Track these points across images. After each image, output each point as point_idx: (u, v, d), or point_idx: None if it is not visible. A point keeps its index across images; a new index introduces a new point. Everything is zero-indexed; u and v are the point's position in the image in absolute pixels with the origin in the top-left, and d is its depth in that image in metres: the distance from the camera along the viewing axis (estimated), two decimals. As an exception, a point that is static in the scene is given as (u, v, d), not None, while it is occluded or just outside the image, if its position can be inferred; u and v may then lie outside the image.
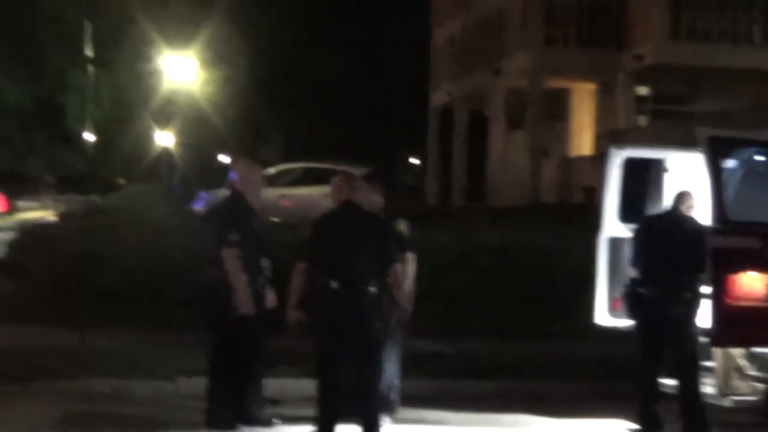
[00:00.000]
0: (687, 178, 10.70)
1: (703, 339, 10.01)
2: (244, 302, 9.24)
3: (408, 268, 9.83)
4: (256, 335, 9.54)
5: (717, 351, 10.20)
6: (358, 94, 68.73)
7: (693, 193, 10.02)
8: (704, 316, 9.93)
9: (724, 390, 10.19)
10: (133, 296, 14.29)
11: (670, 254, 9.73)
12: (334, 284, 8.66)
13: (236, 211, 9.63)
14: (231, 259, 9.23)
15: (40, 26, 33.24)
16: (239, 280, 9.22)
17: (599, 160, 11.57)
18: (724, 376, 10.24)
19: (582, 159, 48.17)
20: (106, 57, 33.16)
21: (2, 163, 36.59)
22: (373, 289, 8.73)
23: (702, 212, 10.03)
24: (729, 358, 10.27)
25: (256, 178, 9.84)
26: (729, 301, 9.93)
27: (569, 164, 49.29)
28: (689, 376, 9.85)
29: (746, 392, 10.30)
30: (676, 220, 9.94)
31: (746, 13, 45.25)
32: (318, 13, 65.35)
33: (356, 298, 8.70)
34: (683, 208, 9.92)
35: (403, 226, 10.01)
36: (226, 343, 9.56)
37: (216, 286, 9.42)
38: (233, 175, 9.83)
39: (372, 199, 9.65)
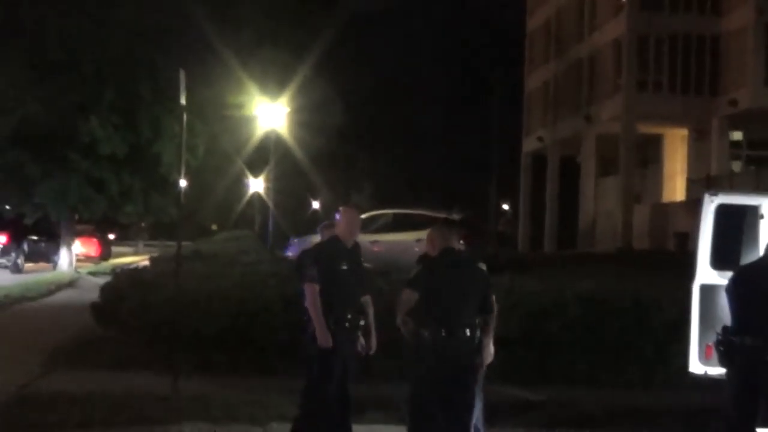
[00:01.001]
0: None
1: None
2: (320, 336, 9.32)
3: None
4: (342, 376, 9.55)
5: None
6: (450, 140, 68.92)
7: None
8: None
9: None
10: (226, 342, 14.35)
11: (764, 303, 9.53)
12: (441, 332, 8.70)
13: (321, 251, 9.82)
14: (309, 293, 9.42)
15: (137, 75, 33.82)
16: (316, 313, 9.33)
17: (692, 206, 11.34)
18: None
19: (675, 205, 47.71)
20: (200, 104, 33.64)
21: (98, 209, 37.13)
22: (475, 338, 8.82)
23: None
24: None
25: (353, 221, 9.92)
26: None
27: (662, 210, 48.85)
28: None
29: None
30: None
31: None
32: (412, 59, 65.81)
33: (459, 346, 8.74)
34: None
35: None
36: (313, 384, 9.59)
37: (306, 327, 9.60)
38: (336, 216, 10.06)
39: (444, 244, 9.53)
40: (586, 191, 55.70)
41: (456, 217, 25.14)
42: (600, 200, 54.34)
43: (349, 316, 9.55)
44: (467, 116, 69.17)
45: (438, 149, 68.90)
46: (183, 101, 13.35)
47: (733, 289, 9.74)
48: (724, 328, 9.77)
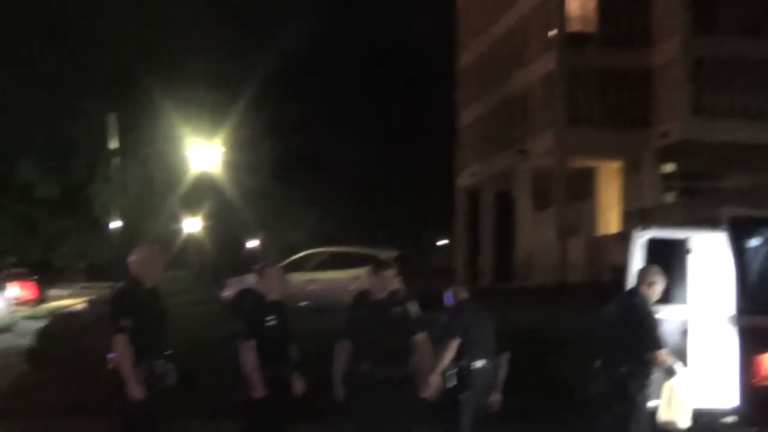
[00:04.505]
0: (711, 258, 10.72)
1: (731, 419, 9.95)
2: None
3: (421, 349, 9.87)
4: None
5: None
6: (386, 177, 69.06)
7: (655, 270, 9.94)
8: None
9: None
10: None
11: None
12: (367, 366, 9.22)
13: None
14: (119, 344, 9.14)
15: (70, 118, 33.76)
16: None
17: (624, 240, 11.51)
18: None
19: (609, 237, 48.05)
20: (133, 146, 33.57)
21: (33, 252, 36.87)
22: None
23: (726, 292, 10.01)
24: None
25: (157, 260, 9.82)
26: (755, 381, 9.89)
27: (596, 243, 49.18)
28: None
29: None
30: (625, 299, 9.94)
31: (769, 89, 45.51)
32: (343, 96, 66.02)
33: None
34: (644, 286, 9.82)
35: (413, 308, 10.11)
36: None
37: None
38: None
39: (381, 282, 9.76)
40: (521, 225, 55.98)
41: (390, 255, 25.05)
42: (536, 234, 54.63)
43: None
44: (400, 152, 69.38)
45: (373, 185, 69.02)
46: (114, 145, 13.32)
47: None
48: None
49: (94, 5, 33.79)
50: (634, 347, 9.34)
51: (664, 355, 9.43)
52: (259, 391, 9.61)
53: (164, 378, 9.36)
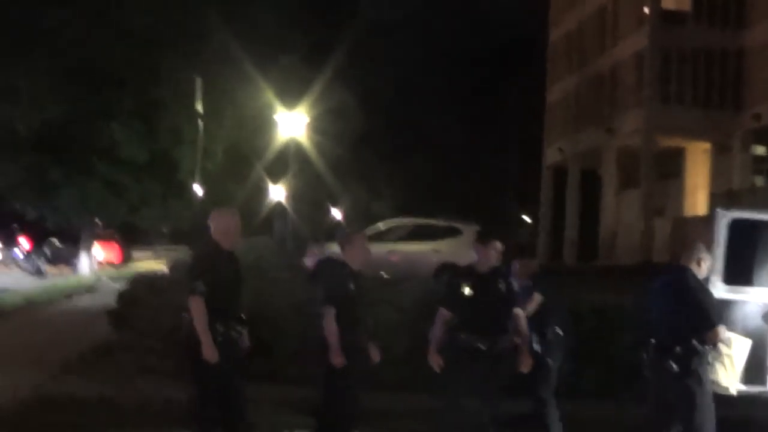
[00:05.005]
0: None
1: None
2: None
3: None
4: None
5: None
6: (471, 151, 68.76)
7: (702, 247, 9.70)
8: None
9: None
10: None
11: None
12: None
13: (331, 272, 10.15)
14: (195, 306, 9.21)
15: (157, 81, 34.03)
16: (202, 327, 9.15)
17: (709, 222, 11.32)
18: None
19: (696, 219, 47.47)
20: (218, 111, 33.65)
21: (118, 214, 37.34)
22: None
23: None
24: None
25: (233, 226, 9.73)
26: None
27: (683, 224, 48.59)
28: None
29: None
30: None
31: None
32: (432, 68, 65.74)
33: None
34: (692, 264, 9.59)
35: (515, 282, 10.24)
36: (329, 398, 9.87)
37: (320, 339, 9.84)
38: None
39: (488, 255, 9.83)
40: (606, 204, 55.58)
41: (472, 229, 24.85)
42: (621, 213, 54.19)
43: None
44: (487, 126, 68.97)
45: (457, 158, 68.74)
46: (199, 108, 13.38)
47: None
48: None
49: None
50: (690, 326, 9.16)
51: (721, 332, 9.25)
52: (338, 359, 9.63)
53: (238, 341, 9.38)
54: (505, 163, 70.33)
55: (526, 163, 66.92)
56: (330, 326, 9.67)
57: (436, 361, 9.60)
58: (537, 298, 10.80)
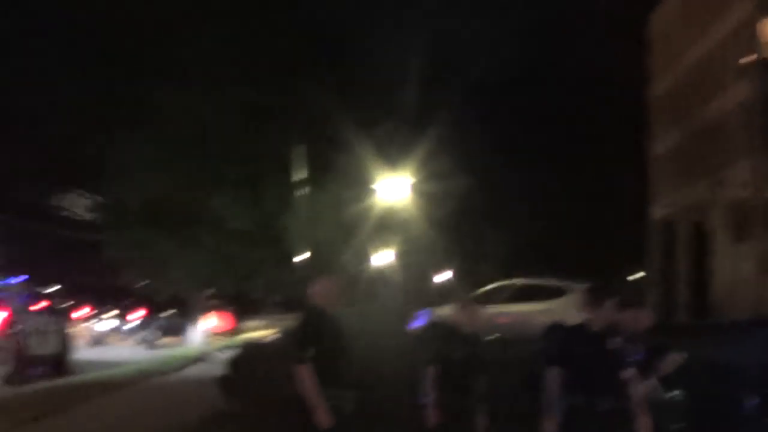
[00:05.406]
0: None
1: None
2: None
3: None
4: None
5: None
6: (575, 209, 68.27)
7: None
8: None
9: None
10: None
11: None
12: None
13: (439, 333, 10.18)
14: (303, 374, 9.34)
15: (260, 151, 34.50)
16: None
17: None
18: None
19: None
20: (322, 179, 33.96)
21: (229, 283, 37.78)
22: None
23: None
24: None
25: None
26: None
27: (799, 277, 47.55)
28: None
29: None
30: None
31: None
32: (531, 126, 65.72)
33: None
34: None
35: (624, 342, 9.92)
36: None
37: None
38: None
39: (599, 313, 9.61)
40: (718, 258, 54.57)
41: (580, 288, 24.58)
42: (734, 267, 53.14)
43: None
44: (594, 183, 68.43)
45: (563, 217, 68.28)
46: (303, 176, 13.52)
47: None
48: None
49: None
50: None
51: None
52: (432, 419, 9.75)
53: (344, 407, 9.40)
54: (610, 220, 69.55)
55: (631, 219, 66.13)
56: (428, 387, 9.90)
57: (551, 425, 9.31)
58: (676, 358, 10.53)
